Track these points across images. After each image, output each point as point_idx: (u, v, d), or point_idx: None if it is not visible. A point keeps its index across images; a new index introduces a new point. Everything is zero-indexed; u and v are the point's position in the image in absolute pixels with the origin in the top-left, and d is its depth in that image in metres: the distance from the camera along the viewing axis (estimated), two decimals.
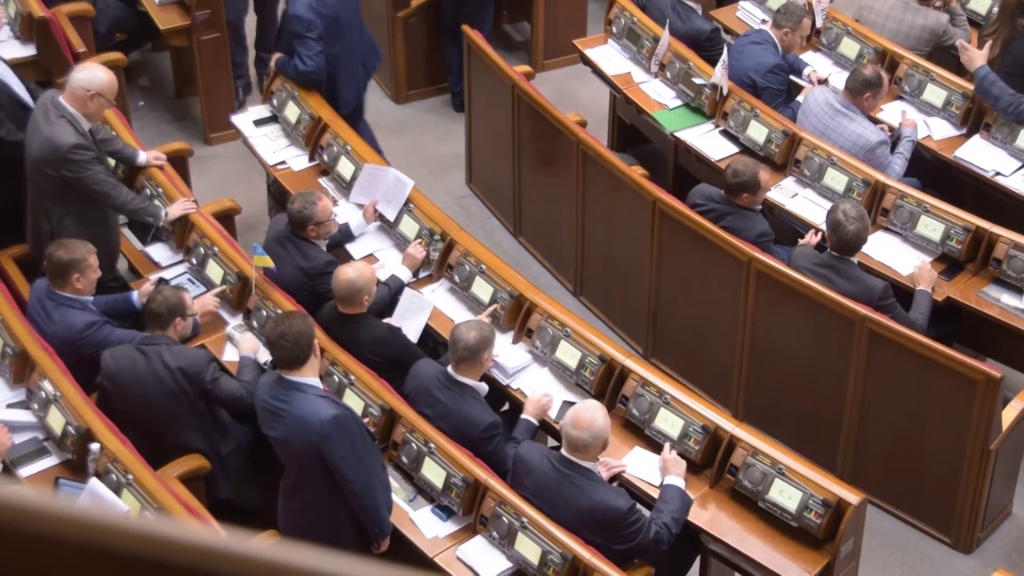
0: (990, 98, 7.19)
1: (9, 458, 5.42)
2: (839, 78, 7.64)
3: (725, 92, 7.28)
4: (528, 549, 5.03)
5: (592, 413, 5.03)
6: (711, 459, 5.49)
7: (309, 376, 5.07)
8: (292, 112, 7.19)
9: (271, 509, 5.40)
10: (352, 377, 5.57)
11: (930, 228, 6.57)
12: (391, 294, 6.13)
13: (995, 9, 7.88)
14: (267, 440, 5.55)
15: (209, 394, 5.48)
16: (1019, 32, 7.21)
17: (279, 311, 5.88)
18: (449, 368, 5.49)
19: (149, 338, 5.51)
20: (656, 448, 5.56)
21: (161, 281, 6.20)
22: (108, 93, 6.07)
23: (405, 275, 6.27)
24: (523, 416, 5.62)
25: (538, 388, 5.79)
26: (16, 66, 6.96)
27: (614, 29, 8.02)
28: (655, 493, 5.34)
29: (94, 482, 5.07)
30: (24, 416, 5.55)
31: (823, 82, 7.54)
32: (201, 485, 5.52)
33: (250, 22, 8.69)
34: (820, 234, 6.54)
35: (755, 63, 7.44)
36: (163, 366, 5.42)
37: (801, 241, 6.54)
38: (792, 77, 7.61)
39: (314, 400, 5.00)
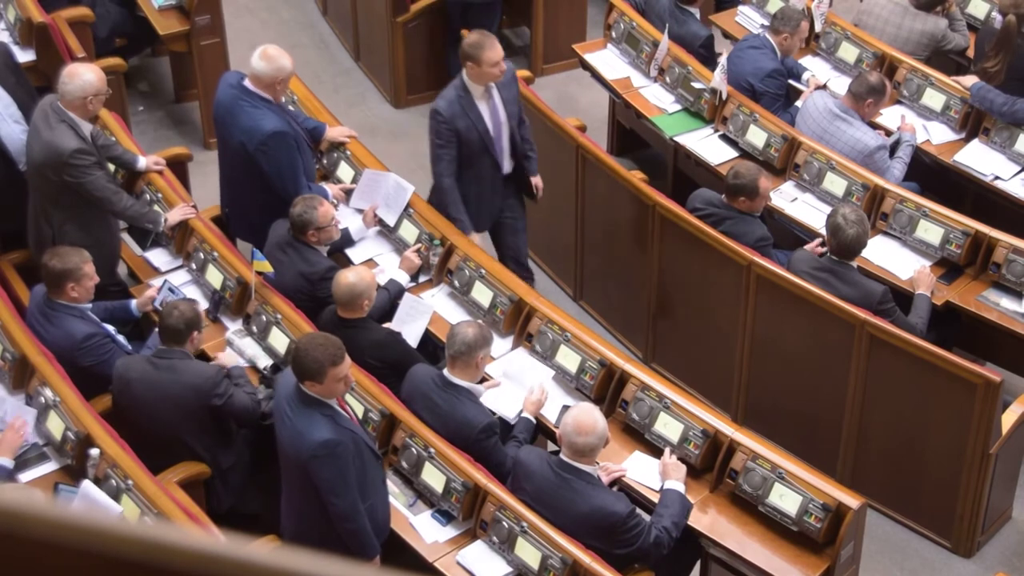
0: (986, 103, 7.21)
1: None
2: (838, 83, 7.65)
3: (724, 96, 7.29)
4: (528, 554, 5.03)
5: (591, 416, 5.04)
6: (711, 463, 5.49)
7: (317, 393, 4.98)
8: None
9: (270, 515, 5.40)
10: (352, 382, 5.56)
11: (929, 232, 6.58)
12: (391, 298, 6.13)
13: (993, 14, 7.86)
14: (268, 447, 5.55)
15: (220, 410, 5.48)
16: (1020, 48, 7.22)
17: (279, 316, 5.88)
18: (444, 370, 5.49)
19: (164, 351, 5.50)
20: (656, 452, 5.57)
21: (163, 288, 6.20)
22: (102, 89, 6.11)
23: (403, 279, 6.28)
24: (521, 414, 5.63)
25: (532, 383, 5.78)
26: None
27: (613, 34, 8.03)
28: (655, 497, 5.34)
29: (87, 485, 5.07)
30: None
31: (822, 87, 7.54)
32: (201, 490, 5.52)
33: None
34: (819, 241, 6.54)
35: (754, 68, 7.44)
36: (175, 380, 5.42)
37: (806, 247, 6.53)
38: (791, 82, 7.62)
39: (316, 419, 4.93)
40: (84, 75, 6.06)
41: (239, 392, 5.53)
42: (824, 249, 6.40)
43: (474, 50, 6.33)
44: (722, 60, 7.30)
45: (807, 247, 6.50)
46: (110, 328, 5.90)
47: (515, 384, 5.80)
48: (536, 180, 6.83)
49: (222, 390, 5.45)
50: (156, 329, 5.84)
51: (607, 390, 5.76)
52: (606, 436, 5.09)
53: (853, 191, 6.78)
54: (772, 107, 7.35)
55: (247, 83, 6.38)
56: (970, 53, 7.93)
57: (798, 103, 7.47)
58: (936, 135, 7.42)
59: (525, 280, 6.47)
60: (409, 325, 6.04)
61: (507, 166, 6.68)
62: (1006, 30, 7.31)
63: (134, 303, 6.16)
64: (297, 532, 5.15)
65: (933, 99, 7.49)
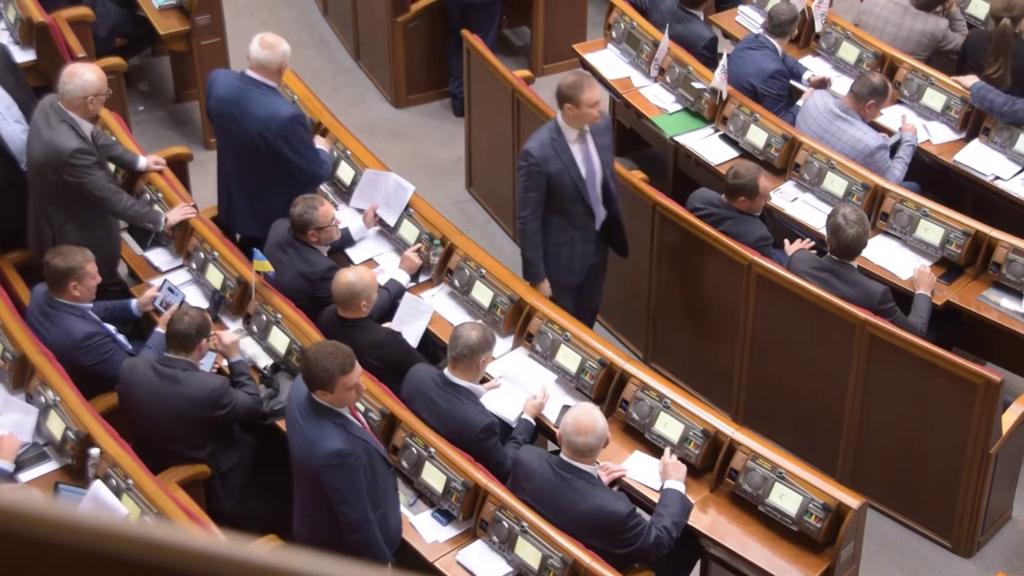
0: (986, 103, 7.22)
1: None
2: (839, 83, 7.65)
3: (724, 96, 7.29)
4: (528, 553, 5.03)
5: (591, 416, 5.04)
6: (711, 463, 5.49)
7: (329, 402, 4.92)
8: None
9: (272, 520, 5.40)
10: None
11: (929, 232, 6.58)
12: (391, 298, 6.13)
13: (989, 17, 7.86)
14: (271, 450, 5.55)
15: (224, 419, 5.51)
16: (1017, 46, 7.23)
17: (279, 315, 5.88)
18: (445, 370, 5.49)
19: (169, 359, 5.48)
20: (656, 452, 5.57)
21: (165, 288, 6.20)
22: (102, 89, 6.12)
23: (403, 279, 6.28)
24: (521, 415, 5.63)
25: (532, 385, 5.78)
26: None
27: (613, 34, 8.03)
28: (655, 497, 5.34)
29: (97, 486, 5.07)
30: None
31: (828, 82, 7.54)
32: (201, 490, 5.52)
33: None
34: (809, 241, 6.54)
35: (756, 69, 7.44)
36: (177, 393, 5.41)
37: (791, 245, 6.52)
38: (792, 82, 7.62)
39: (327, 428, 4.88)
40: (84, 75, 6.06)
41: (241, 396, 5.54)
42: (812, 243, 6.41)
43: (572, 91, 5.97)
44: (722, 60, 7.30)
45: (795, 244, 6.50)
46: (110, 327, 5.90)
47: (515, 386, 5.80)
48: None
49: (225, 401, 5.46)
50: (156, 329, 5.84)
51: (607, 390, 5.76)
52: (606, 436, 5.08)
53: (853, 191, 6.78)
54: (775, 108, 7.35)
55: (251, 73, 6.40)
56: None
57: (800, 102, 7.48)
58: (936, 135, 7.42)
59: (587, 324, 6.23)
60: (409, 325, 6.04)
61: (601, 216, 6.27)
62: (1002, 34, 7.29)
63: (134, 303, 6.15)
64: (309, 539, 5.13)
65: (933, 99, 7.49)
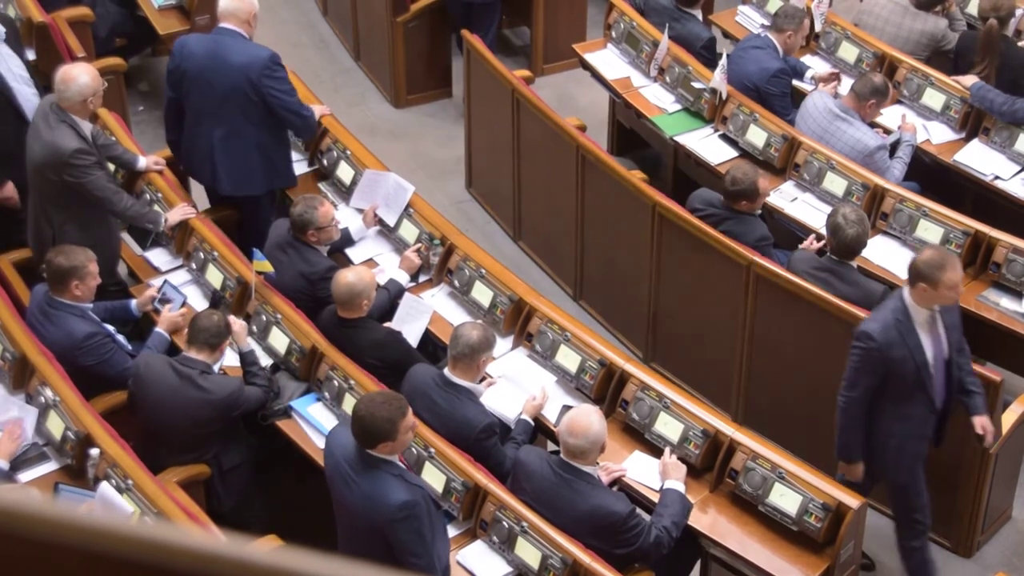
0: (986, 103, 7.22)
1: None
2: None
3: (724, 96, 7.29)
4: (528, 553, 5.03)
5: (587, 419, 5.02)
6: (711, 463, 5.49)
7: (387, 453, 4.83)
8: None
9: (273, 520, 5.39)
10: (352, 382, 5.57)
11: (929, 232, 6.58)
12: (391, 298, 6.13)
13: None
14: (271, 450, 5.54)
15: (236, 418, 5.53)
16: (1005, 48, 7.24)
17: (279, 315, 5.88)
18: (445, 370, 5.49)
19: (187, 360, 5.49)
20: (656, 452, 5.57)
21: (163, 289, 6.20)
22: (99, 87, 6.15)
23: (403, 279, 6.28)
24: (520, 416, 5.62)
25: (532, 386, 5.78)
26: None
27: (613, 34, 8.03)
28: (655, 497, 5.34)
29: (105, 487, 5.06)
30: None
31: (835, 76, 7.53)
32: (201, 490, 5.52)
33: None
34: (821, 240, 6.54)
35: (759, 68, 7.43)
36: (194, 396, 5.41)
37: (801, 246, 6.53)
38: (795, 81, 7.61)
39: (387, 480, 4.78)
40: (80, 78, 6.06)
41: (252, 392, 5.56)
42: (821, 244, 6.40)
43: (931, 270, 5.21)
44: (722, 60, 7.30)
45: (802, 246, 6.50)
46: (110, 328, 5.90)
47: (514, 387, 5.80)
48: (982, 421, 5.54)
49: (241, 402, 5.49)
50: (156, 328, 5.85)
51: (607, 390, 5.76)
52: (600, 442, 5.03)
53: (853, 191, 6.78)
54: (780, 106, 7.33)
55: (224, 25, 6.52)
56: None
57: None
58: (936, 135, 7.43)
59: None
60: (409, 325, 6.05)
61: (940, 404, 5.55)
62: (988, 34, 7.34)
63: (134, 303, 6.16)
64: None
65: (933, 99, 7.49)
